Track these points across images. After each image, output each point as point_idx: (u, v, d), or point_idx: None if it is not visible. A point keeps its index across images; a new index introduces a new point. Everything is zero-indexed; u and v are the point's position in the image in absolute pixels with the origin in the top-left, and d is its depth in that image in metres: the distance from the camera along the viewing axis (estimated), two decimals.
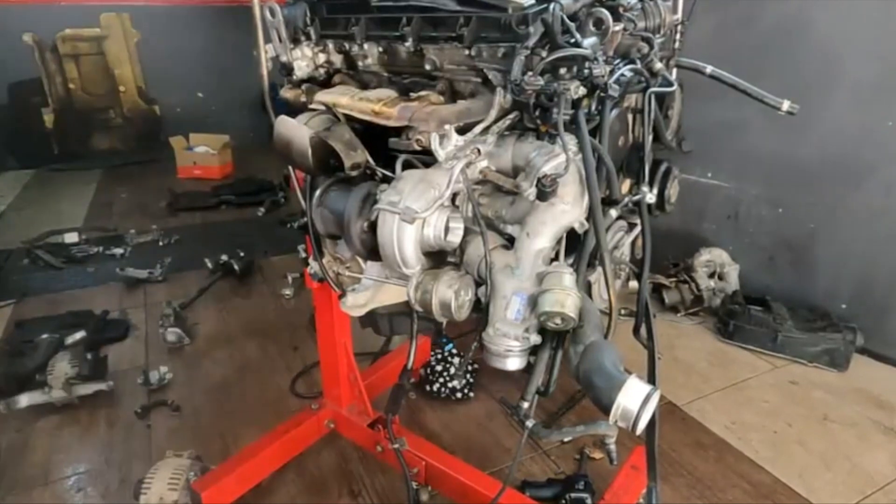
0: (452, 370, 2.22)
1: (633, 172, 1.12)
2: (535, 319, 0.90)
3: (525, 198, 0.95)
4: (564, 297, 0.85)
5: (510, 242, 1.00)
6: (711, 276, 2.85)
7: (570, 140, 0.88)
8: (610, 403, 0.77)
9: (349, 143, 1.05)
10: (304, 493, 1.82)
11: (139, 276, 3.17)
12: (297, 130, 1.05)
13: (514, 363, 0.96)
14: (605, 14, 0.93)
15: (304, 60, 1.19)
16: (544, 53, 0.90)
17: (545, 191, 0.87)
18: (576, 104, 0.90)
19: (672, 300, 2.85)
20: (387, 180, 1.02)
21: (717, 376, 2.41)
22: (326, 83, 1.20)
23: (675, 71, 1.24)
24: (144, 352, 2.56)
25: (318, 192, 1.14)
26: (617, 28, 0.95)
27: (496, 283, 0.95)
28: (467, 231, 1.00)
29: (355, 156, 1.05)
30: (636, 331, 1.14)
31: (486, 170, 0.99)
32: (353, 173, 1.05)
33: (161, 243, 3.70)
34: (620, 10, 1.01)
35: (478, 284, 0.98)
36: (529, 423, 0.95)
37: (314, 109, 1.13)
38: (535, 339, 0.93)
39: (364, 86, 1.15)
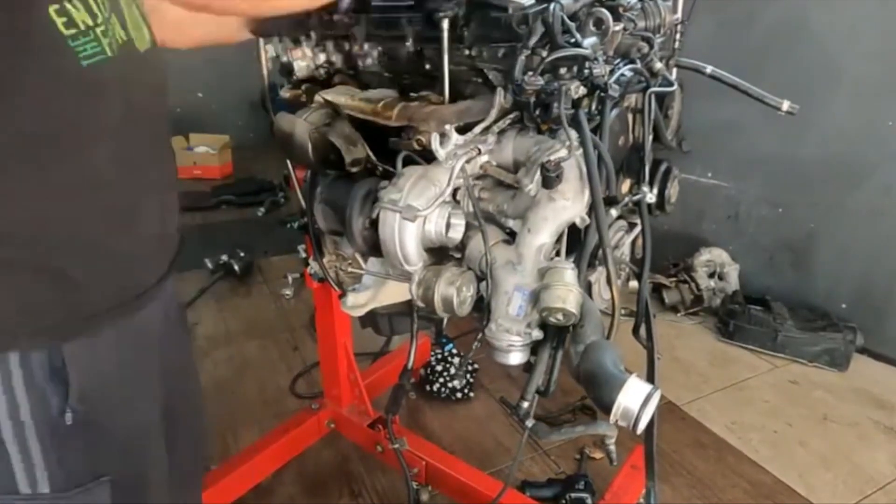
0: (452, 370, 2.22)
1: (633, 172, 1.12)
2: (537, 315, 0.90)
3: (526, 193, 0.95)
4: (566, 293, 0.85)
5: (511, 237, 1.00)
6: (711, 276, 2.85)
7: (572, 134, 0.88)
8: (610, 403, 0.77)
9: (349, 138, 1.05)
10: (304, 493, 1.82)
11: None
12: (297, 125, 1.05)
13: (516, 358, 0.96)
14: (606, 14, 0.93)
15: (304, 60, 1.19)
16: (544, 53, 0.90)
17: (550, 176, 0.87)
18: (576, 104, 0.91)
19: (672, 300, 2.85)
20: (388, 176, 1.02)
21: (717, 376, 2.42)
22: (327, 83, 1.20)
23: (675, 71, 1.24)
24: None
25: (319, 189, 1.14)
26: (617, 28, 0.95)
27: (498, 279, 0.95)
28: (469, 227, 1.00)
29: (355, 151, 1.05)
30: (636, 331, 1.14)
31: (487, 165, 0.99)
32: (354, 169, 1.05)
33: None
34: (620, 9, 1.01)
35: (479, 280, 0.98)
36: (529, 423, 0.95)
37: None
38: (537, 334, 0.93)
39: (364, 86, 1.15)
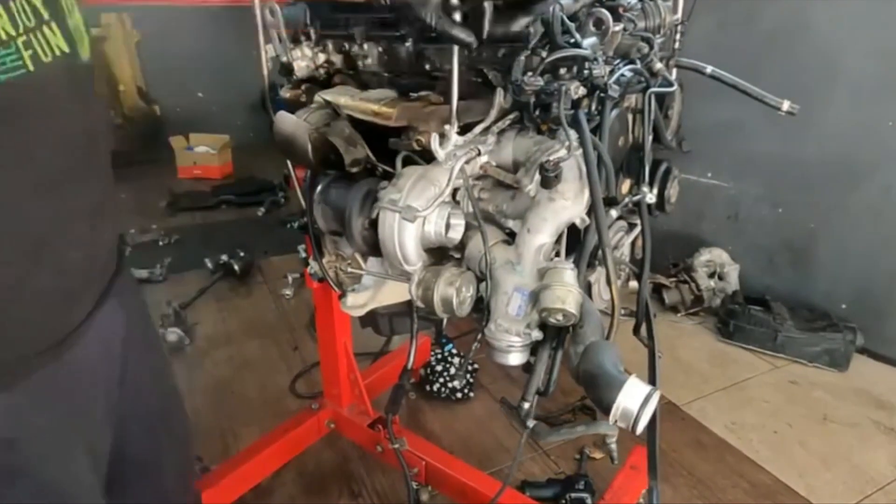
0: (452, 370, 2.22)
1: (632, 173, 1.12)
2: (537, 315, 0.90)
3: (525, 193, 0.95)
4: (566, 294, 0.85)
5: (511, 237, 1.00)
6: (711, 276, 2.85)
7: (571, 134, 0.88)
8: (610, 404, 0.77)
9: (349, 138, 1.05)
10: (304, 493, 1.82)
11: (139, 276, 3.17)
12: (297, 126, 1.05)
13: (515, 358, 0.96)
14: (605, 14, 0.93)
15: (304, 60, 1.19)
16: (544, 54, 0.90)
17: (549, 176, 0.87)
18: (576, 104, 0.91)
19: (672, 300, 2.85)
20: (387, 176, 1.02)
21: (717, 376, 2.42)
22: (326, 83, 1.20)
23: (674, 71, 1.24)
24: None
25: (318, 189, 1.14)
26: (617, 28, 0.95)
27: (497, 279, 0.95)
28: (468, 227, 1.00)
29: (355, 152, 1.05)
30: (636, 331, 1.14)
31: (487, 165, 0.99)
32: (354, 169, 1.05)
33: (161, 243, 3.71)
34: (620, 10, 1.01)
35: (479, 280, 0.98)
36: (530, 424, 0.95)
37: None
38: (537, 334, 0.93)
39: (364, 86, 1.15)
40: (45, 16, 0.61)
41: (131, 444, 0.88)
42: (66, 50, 0.64)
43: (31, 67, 0.59)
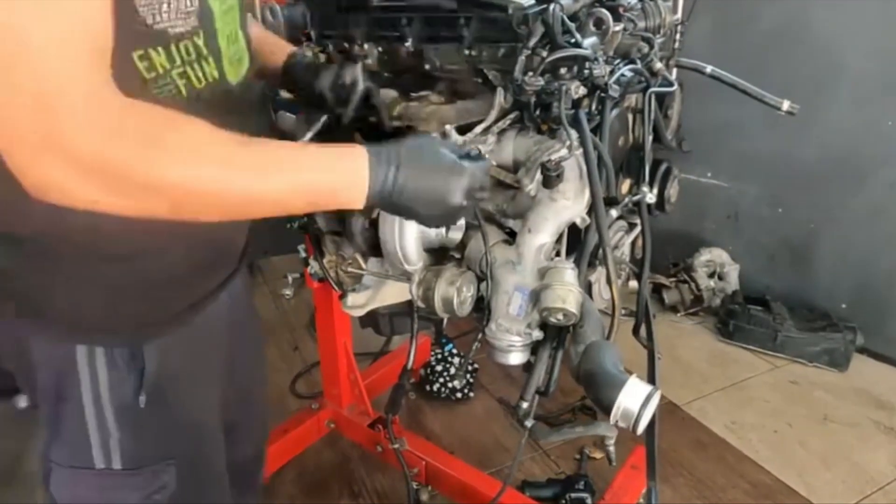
0: (452, 370, 2.22)
1: (633, 172, 1.12)
2: (537, 315, 0.90)
3: (526, 193, 0.95)
4: (566, 293, 0.85)
5: (511, 237, 1.00)
6: (711, 275, 2.85)
7: (572, 134, 0.88)
8: (610, 404, 0.77)
9: (350, 138, 1.05)
10: (304, 493, 1.82)
11: None
12: (297, 126, 1.05)
13: (516, 358, 0.96)
14: (606, 14, 0.93)
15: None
16: (545, 53, 0.90)
17: (551, 175, 0.87)
18: (576, 104, 0.91)
19: (672, 300, 2.85)
20: None
21: (717, 376, 2.42)
22: None
23: (674, 71, 1.24)
24: None
25: None
26: (617, 28, 0.96)
27: (498, 279, 0.95)
28: (469, 227, 1.00)
29: None
30: (636, 331, 1.13)
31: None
32: None
33: None
34: (621, 10, 1.01)
35: (480, 280, 0.98)
36: (529, 423, 0.95)
37: None
38: (537, 334, 0.93)
39: None
40: (205, 52, 0.73)
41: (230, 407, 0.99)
42: (216, 76, 0.75)
43: (185, 92, 0.71)
